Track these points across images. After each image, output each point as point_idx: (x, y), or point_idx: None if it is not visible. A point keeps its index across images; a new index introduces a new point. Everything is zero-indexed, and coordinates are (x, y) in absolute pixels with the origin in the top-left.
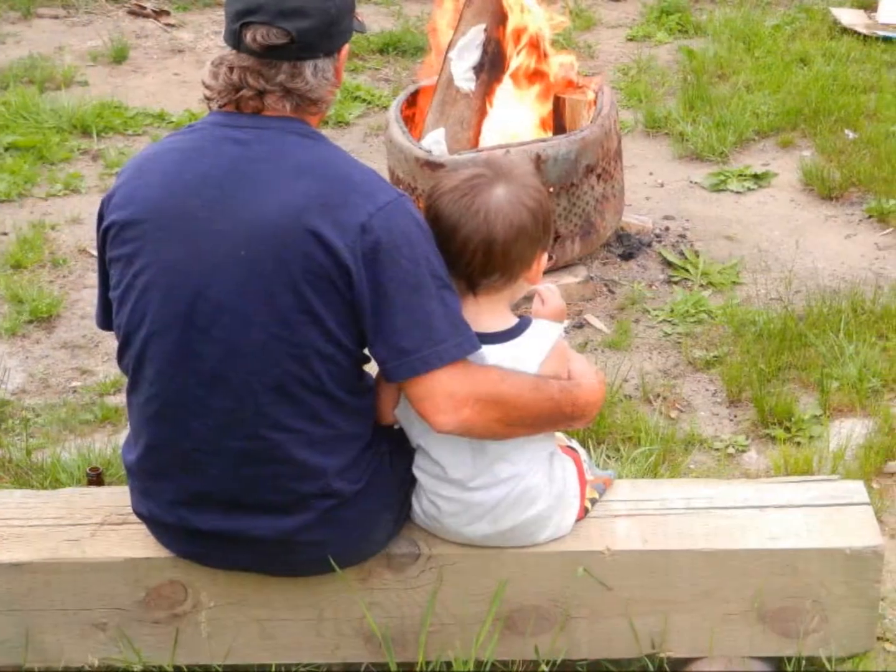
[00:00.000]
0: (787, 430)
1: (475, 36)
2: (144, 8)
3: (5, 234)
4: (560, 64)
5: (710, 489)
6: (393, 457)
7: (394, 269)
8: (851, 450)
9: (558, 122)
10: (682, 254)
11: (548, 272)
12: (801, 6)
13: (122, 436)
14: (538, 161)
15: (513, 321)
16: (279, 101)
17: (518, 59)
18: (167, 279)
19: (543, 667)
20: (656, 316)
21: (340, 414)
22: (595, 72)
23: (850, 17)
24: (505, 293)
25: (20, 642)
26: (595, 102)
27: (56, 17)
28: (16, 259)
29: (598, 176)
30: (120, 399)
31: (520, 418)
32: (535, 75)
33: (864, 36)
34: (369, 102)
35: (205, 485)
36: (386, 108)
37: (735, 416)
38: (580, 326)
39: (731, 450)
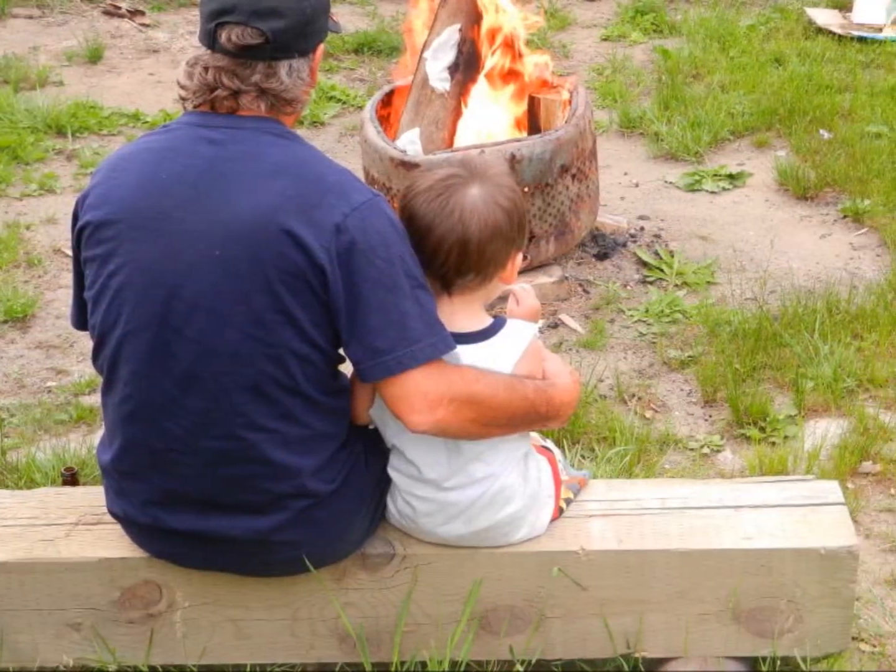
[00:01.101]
0: (762, 430)
1: (450, 36)
2: (119, 8)
3: None
4: (535, 64)
5: (686, 489)
6: (368, 457)
7: (368, 270)
8: (826, 450)
9: (533, 122)
10: (657, 254)
11: (523, 272)
12: (775, 6)
13: (97, 436)
14: (513, 161)
15: (487, 321)
16: (254, 101)
17: (493, 59)
18: (142, 279)
19: (518, 667)
20: (631, 316)
21: (315, 414)
22: (570, 72)
23: (825, 17)
24: (480, 293)
25: None
26: (570, 102)
27: (31, 17)
28: None
29: (573, 176)
30: (95, 399)
31: (495, 418)
32: (510, 75)
33: (839, 36)
34: (344, 102)
35: (179, 485)
36: (361, 108)
37: (710, 416)
38: (555, 326)
39: (706, 450)
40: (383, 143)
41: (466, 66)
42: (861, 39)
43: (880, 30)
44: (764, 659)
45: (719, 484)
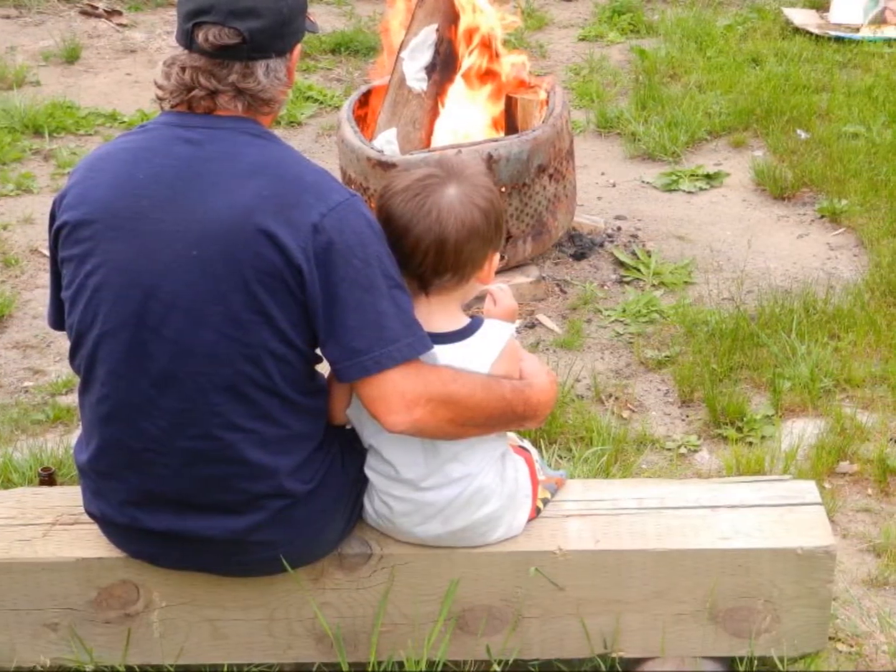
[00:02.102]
0: (739, 430)
1: (427, 36)
2: (97, 8)
3: None
4: (512, 64)
5: (662, 489)
6: (345, 457)
7: (346, 269)
8: (803, 450)
9: (510, 122)
10: (634, 254)
11: (500, 272)
12: (753, 6)
13: (75, 436)
14: (490, 161)
15: (464, 321)
16: (231, 101)
17: (470, 59)
18: (119, 279)
19: (495, 667)
20: (608, 316)
21: (292, 414)
22: (547, 72)
23: (802, 17)
24: (457, 293)
25: None
26: (547, 102)
27: (8, 17)
28: None
29: (550, 176)
30: (72, 399)
31: (472, 418)
32: (487, 75)
33: (817, 36)
34: (321, 102)
35: (156, 485)
36: (338, 108)
37: (687, 416)
38: (532, 326)
39: (683, 450)
40: (360, 143)
41: (443, 66)
42: (838, 39)
43: (857, 30)
44: (741, 659)
45: (696, 484)
